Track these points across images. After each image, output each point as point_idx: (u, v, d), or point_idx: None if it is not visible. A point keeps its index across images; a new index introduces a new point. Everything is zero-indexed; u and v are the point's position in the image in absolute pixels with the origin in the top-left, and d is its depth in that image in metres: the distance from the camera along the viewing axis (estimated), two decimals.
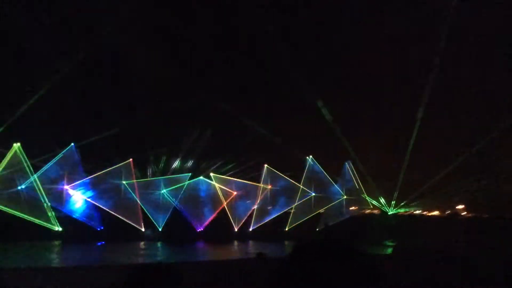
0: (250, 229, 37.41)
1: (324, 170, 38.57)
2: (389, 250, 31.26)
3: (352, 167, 39.05)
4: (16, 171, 31.68)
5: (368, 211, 40.73)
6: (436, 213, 42.98)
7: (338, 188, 38.95)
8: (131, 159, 34.54)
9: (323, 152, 38.48)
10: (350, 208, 39.72)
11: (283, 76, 34.65)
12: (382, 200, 40.37)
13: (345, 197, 38.99)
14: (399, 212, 40.69)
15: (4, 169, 31.43)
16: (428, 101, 34.61)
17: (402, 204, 40.05)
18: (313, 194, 38.44)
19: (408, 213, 41.95)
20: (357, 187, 39.02)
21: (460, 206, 40.80)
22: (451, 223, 37.22)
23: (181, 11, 32.86)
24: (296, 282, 1.44)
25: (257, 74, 35.72)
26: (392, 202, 39.94)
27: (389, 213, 40.29)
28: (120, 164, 34.26)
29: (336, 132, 36.07)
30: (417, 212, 42.59)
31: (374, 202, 40.21)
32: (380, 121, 37.56)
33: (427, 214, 43.13)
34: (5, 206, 31.05)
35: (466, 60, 34.40)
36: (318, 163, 38.54)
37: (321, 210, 38.66)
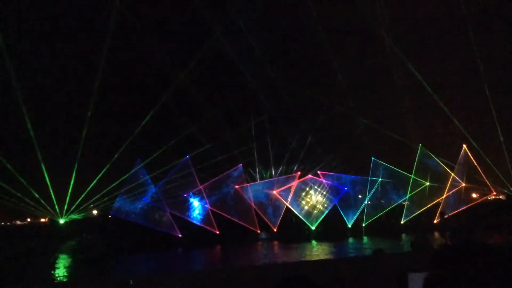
0: (364, 225, 36.52)
1: (437, 157, 36.40)
2: None
3: (468, 152, 36.34)
4: (139, 184, 34.26)
5: (492, 197, 37.62)
6: None
7: (455, 176, 36.51)
8: (240, 164, 35.59)
9: (435, 139, 36.30)
10: (471, 196, 37.08)
11: (388, 63, 33.24)
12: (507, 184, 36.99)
13: (463, 184, 36.44)
14: None
15: (128, 182, 34.16)
16: None
17: None
18: (427, 183, 36.50)
19: None
20: (478, 172, 36.21)
21: None
22: None
23: None
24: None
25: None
26: None
27: None
28: (230, 170, 35.45)
29: (447, 116, 33.85)
30: None
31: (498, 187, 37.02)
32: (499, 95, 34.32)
33: None
34: (131, 217, 33.70)
35: None
36: (430, 151, 36.45)
37: (439, 200, 36.51)
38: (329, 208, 36.48)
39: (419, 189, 36.61)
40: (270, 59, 34.21)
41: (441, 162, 36.45)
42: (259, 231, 35.04)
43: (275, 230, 35.08)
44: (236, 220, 34.57)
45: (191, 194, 34.99)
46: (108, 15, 28.31)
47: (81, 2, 32.38)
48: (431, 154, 36.37)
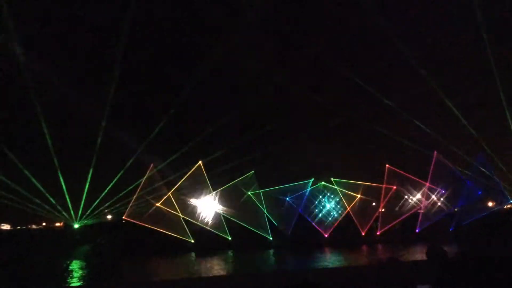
0: (378, 233, 36.10)
1: (453, 165, 35.86)
2: None
3: (485, 159, 35.70)
4: (153, 189, 34.42)
5: (509, 205, 36.91)
6: None
7: (471, 183, 35.88)
8: (253, 171, 35.52)
9: (451, 147, 35.70)
10: (488, 204, 36.41)
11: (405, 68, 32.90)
12: None
13: (479, 192, 35.78)
14: None
15: (142, 187, 34.38)
16: None
17: None
18: (443, 191, 35.98)
19: None
20: (494, 180, 35.54)
21: None
22: None
23: None
24: None
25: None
26: None
27: None
28: (243, 176, 35.42)
29: (463, 123, 33.36)
30: None
31: None
32: None
33: None
34: (145, 222, 33.79)
35: None
36: (446, 158, 35.93)
37: (454, 209, 35.95)
38: (343, 215, 36.20)
39: (434, 197, 36.11)
40: (284, 65, 34.20)
41: (456, 169, 35.89)
42: (271, 238, 34.86)
43: (287, 237, 34.85)
44: (248, 226, 34.48)
45: (204, 200, 35.02)
46: (122, 22, 28.71)
47: (97, 9, 32.88)
48: (446, 162, 35.82)
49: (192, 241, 34.08)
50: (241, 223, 34.58)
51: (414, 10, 33.23)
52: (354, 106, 34.68)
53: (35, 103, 29.60)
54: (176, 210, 34.32)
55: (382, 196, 36.57)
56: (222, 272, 25.04)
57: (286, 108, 36.05)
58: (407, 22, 32.03)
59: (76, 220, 34.26)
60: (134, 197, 33.90)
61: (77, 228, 34.53)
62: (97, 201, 33.62)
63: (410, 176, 36.43)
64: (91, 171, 32.65)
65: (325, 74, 38.12)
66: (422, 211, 36.21)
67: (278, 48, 34.95)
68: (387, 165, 36.59)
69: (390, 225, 36.07)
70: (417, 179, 36.48)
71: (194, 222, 34.68)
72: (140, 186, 34.14)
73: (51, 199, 33.14)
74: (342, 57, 32.59)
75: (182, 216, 34.36)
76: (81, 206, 33.73)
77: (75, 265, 28.82)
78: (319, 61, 37.35)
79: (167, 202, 34.28)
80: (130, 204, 33.92)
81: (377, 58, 35.63)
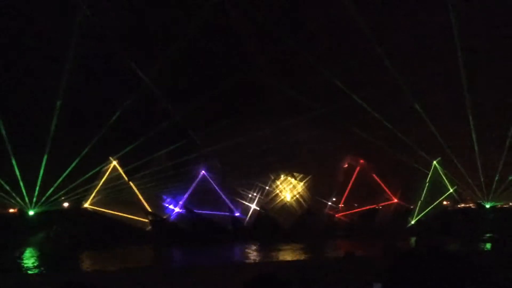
0: (337, 227, 36.97)
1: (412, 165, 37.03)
2: (488, 245, 29.62)
3: (439, 165, 37.15)
4: (112, 178, 33.76)
5: (462, 205, 38.69)
6: None
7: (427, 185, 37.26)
8: (216, 162, 35.40)
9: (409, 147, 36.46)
10: (443, 203, 38.00)
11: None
12: (478, 193, 38.07)
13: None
14: (497, 205, 38.09)
15: (102, 176, 33.69)
16: None
17: (501, 195, 37.29)
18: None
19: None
20: (448, 181, 37.11)
21: None
22: None
23: None
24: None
25: None
26: (489, 194, 37.44)
27: (486, 206, 37.87)
28: (202, 167, 35.45)
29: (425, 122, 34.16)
30: None
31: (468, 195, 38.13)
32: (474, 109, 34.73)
33: None
34: (108, 209, 33.10)
35: None
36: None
37: (411, 206, 37.36)
38: (303, 208, 36.75)
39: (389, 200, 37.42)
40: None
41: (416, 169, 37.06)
42: (233, 230, 34.83)
43: (248, 229, 35.03)
44: (208, 212, 34.43)
45: (166, 192, 34.77)
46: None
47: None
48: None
49: (152, 230, 33.62)
50: (202, 212, 34.48)
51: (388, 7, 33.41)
52: (327, 100, 34.41)
53: None
54: (138, 200, 33.87)
55: (344, 193, 37.57)
56: (183, 264, 24.91)
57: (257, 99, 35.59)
58: (381, 20, 32.12)
59: (31, 207, 33.08)
60: (93, 184, 33.24)
61: (32, 215, 33.37)
62: (53, 187, 32.53)
63: (374, 176, 37.35)
64: (45, 157, 31.46)
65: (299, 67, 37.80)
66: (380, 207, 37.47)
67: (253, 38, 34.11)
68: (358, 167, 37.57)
69: (349, 221, 37.06)
70: (378, 180, 37.54)
71: (156, 213, 34.33)
72: (100, 174, 33.55)
73: (3, 183, 31.76)
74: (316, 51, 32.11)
75: (142, 206, 33.92)
76: (36, 192, 32.59)
77: (28, 253, 27.96)
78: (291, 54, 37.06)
79: (127, 192, 33.76)
80: (89, 192, 33.22)
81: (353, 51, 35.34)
